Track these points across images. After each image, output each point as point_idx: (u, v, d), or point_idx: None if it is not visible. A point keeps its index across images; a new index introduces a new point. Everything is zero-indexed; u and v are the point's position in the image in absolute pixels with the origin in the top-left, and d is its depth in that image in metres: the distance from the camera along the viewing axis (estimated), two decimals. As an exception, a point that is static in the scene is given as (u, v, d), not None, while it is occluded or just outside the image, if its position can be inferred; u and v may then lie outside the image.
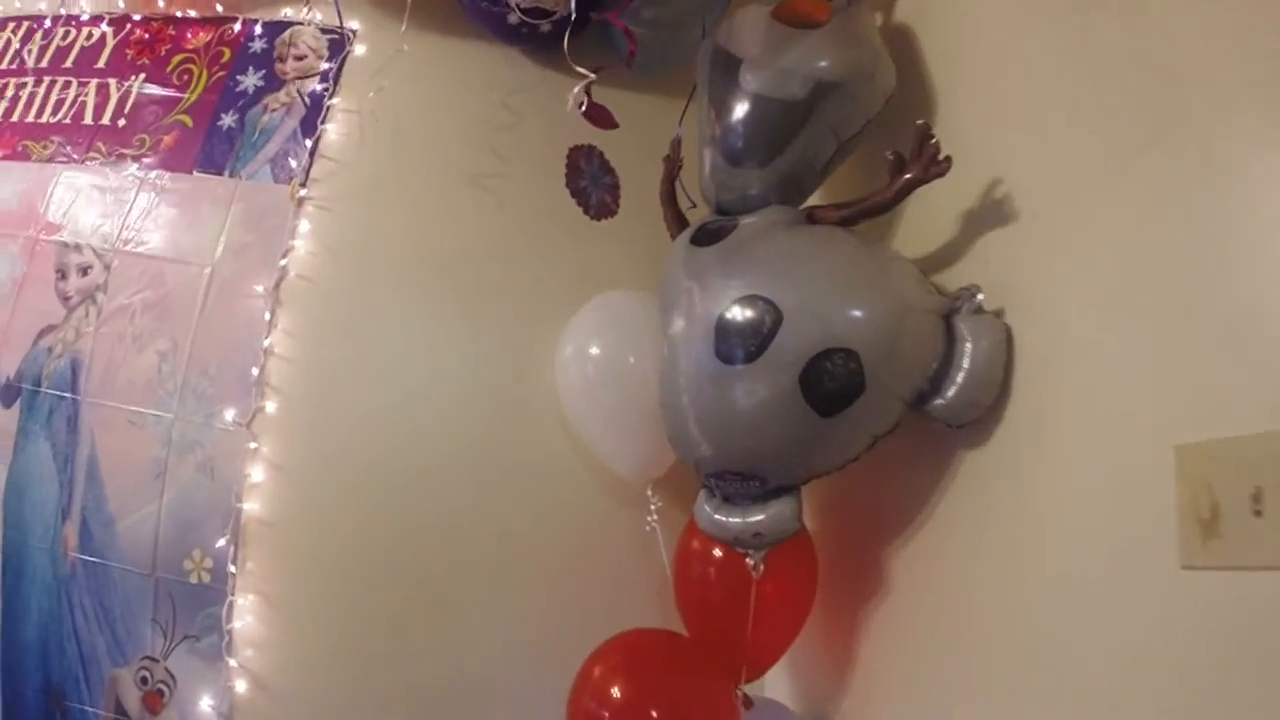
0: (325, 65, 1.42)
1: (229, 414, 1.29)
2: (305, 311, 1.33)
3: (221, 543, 1.26)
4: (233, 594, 1.26)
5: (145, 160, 1.45)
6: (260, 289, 1.31)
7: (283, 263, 1.32)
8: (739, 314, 0.92)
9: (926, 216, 1.07)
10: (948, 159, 0.91)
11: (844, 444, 0.95)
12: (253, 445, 1.27)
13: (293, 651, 1.29)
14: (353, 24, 1.46)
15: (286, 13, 1.50)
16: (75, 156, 1.51)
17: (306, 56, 1.44)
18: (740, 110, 1.01)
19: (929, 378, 0.92)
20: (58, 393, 1.39)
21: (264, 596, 1.28)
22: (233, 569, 1.26)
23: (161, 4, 1.59)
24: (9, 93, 1.67)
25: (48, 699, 1.38)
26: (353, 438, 1.33)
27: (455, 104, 1.47)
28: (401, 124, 1.43)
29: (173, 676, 1.28)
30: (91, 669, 1.34)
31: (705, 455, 1.01)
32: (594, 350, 1.26)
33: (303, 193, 1.36)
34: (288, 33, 1.47)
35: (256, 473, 1.28)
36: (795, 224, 1.00)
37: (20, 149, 1.59)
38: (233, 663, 1.25)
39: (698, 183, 1.12)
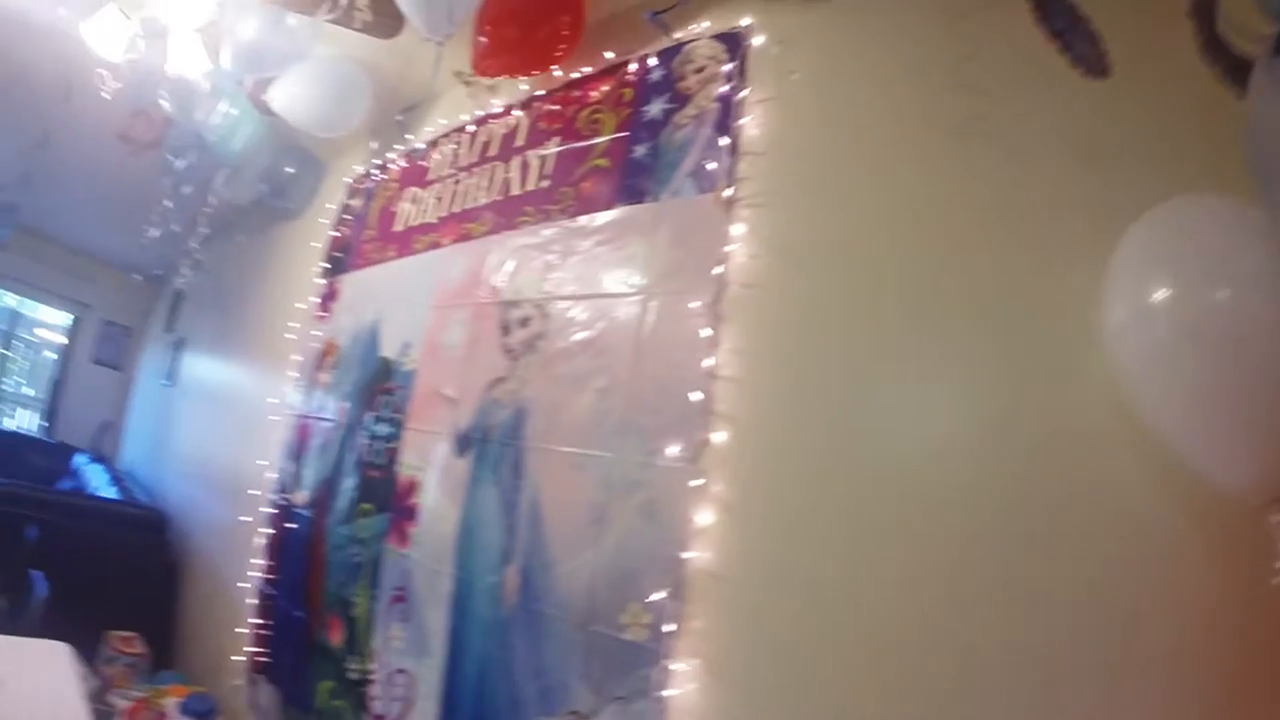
0: (727, 67, 1.47)
1: (672, 449, 1.26)
2: (753, 323, 1.27)
3: (661, 596, 1.21)
4: (669, 657, 1.19)
5: (569, 209, 1.66)
6: (697, 305, 1.30)
7: (718, 271, 1.30)
8: None
9: None
10: None
11: None
12: (697, 483, 1.22)
13: None
14: (743, 19, 1.50)
15: (676, 37, 1.62)
16: (507, 225, 1.81)
17: (706, 66, 1.52)
18: None
19: None
20: (505, 440, 1.58)
21: (708, 663, 1.18)
22: (671, 628, 1.20)
23: (558, 73, 1.89)
24: (449, 191, 2.14)
25: (478, 734, 1.51)
26: (822, 471, 1.17)
27: (887, 53, 1.33)
28: (829, 93, 1.35)
29: None
30: (520, 714, 1.43)
31: None
32: (1158, 297, 0.90)
33: (730, 193, 1.35)
34: (682, 52, 1.58)
35: (703, 516, 1.21)
36: None
37: (463, 233, 2.00)
38: None
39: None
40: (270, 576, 2.56)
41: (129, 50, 2.08)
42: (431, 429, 1.83)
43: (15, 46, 2.87)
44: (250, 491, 2.83)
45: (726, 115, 1.42)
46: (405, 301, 2.14)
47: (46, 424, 6.92)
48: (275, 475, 2.68)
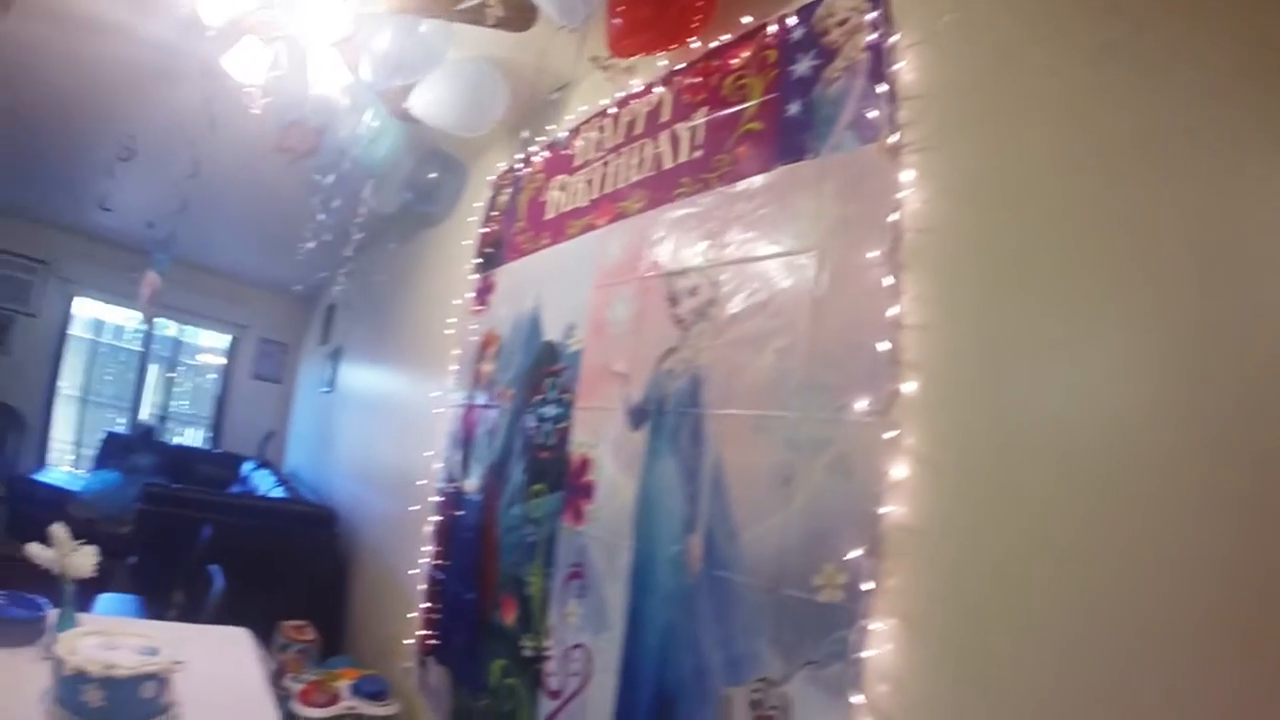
0: (871, 15, 1.46)
1: (860, 403, 1.28)
2: (934, 268, 1.27)
3: (857, 554, 1.22)
4: (867, 617, 1.19)
5: (727, 175, 1.70)
6: (875, 255, 1.31)
7: (893, 218, 1.31)
8: None
9: None
10: None
11: None
12: (890, 435, 1.23)
13: (938, 693, 1.14)
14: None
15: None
16: (664, 198, 1.88)
17: (849, 18, 1.51)
18: None
19: None
20: (681, 410, 1.64)
21: (907, 621, 1.18)
22: (870, 586, 1.20)
23: (696, 45, 1.94)
24: (598, 174, 2.24)
25: (659, 707, 1.56)
26: (1017, 416, 1.15)
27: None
28: (983, 30, 1.32)
29: (788, 704, 1.28)
30: (705, 684, 1.46)
31: None
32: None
33: (894, 140, 1.35)
34: (821, 6, 1.58)
35: (898, 469, 1.22)
36: None
37: (617, 212, 2.09)
38: (859, 699, 1.17)
39: None
40: (440, 562, 2.76)
41: (271, 70, 2.26)
42: (602, 405, 1.92)
43: (161, 84, 3.22)
44: (417, 483, 3.06)
45: (879, 63, 1.41)
46: (564, 285, 2.26)
47: (212, 437, 7.75)
48: (441, 466, 2.89)
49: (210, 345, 8.07)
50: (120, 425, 7.27)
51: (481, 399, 2.65)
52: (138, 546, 4.05)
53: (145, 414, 7.53)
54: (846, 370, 1.32)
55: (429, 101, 2.55)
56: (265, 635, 3.09)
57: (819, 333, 1.38)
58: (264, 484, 5.34)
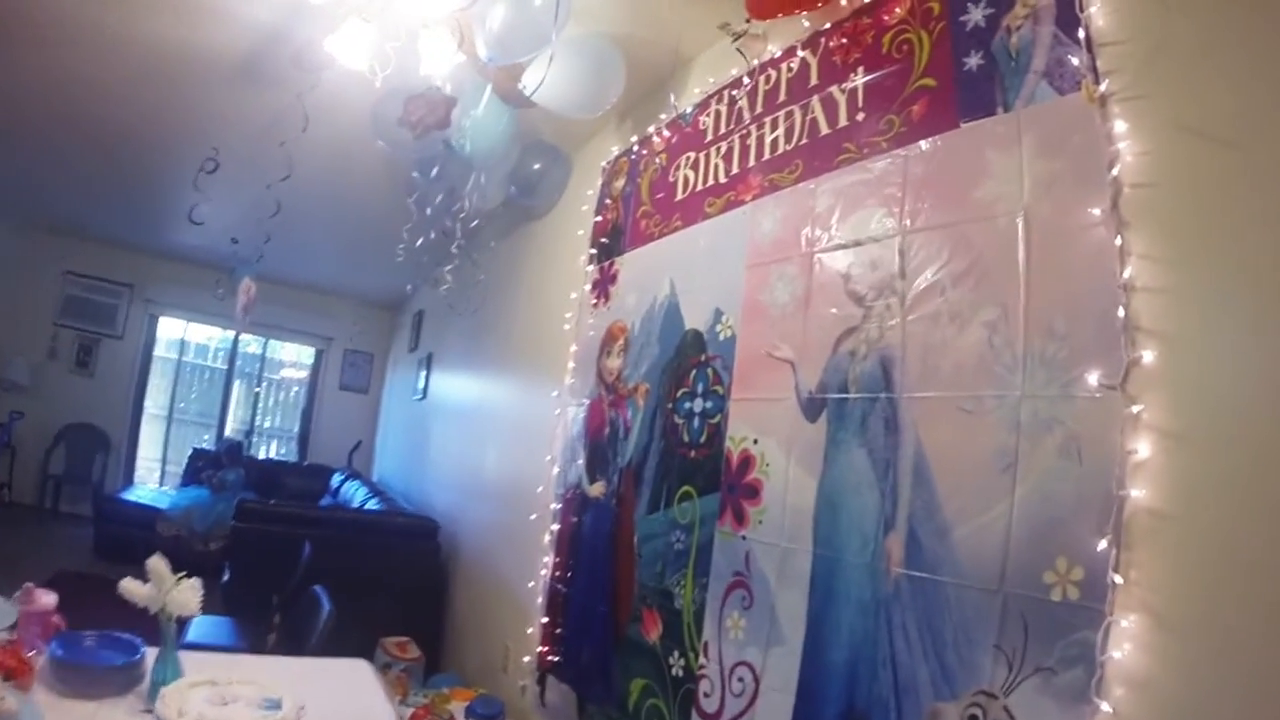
0: None
1: (1092, 377, 1.23)
2: (1160, 225, 1.21)
3: (1100, 546, 1.16)
4: (1110, 615, 1.14)
5: (901, 137, 1.65)
6: (1097, 213, 1.27)
7: (1112, 174, 1.26)
8: None
9: None
10: None
11: None
12: (1134, 410, 1.17)
13: (1192, 698, 1.08)
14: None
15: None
16: (825, 166, 1.84)
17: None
18: None
19: None
20: (869, 395, 1.59)
21: (1153, 615, 1.11)
22: (1117, 579, 1.14)
23: (844, 2, 1.90)
24: (736, 147, 2.21)
25: (846, 726, 1.49)
26: (1274, 380, 1.08)
27: None
28: None
29: (1012, 717, 1.23)
30: (907, 699, 1.40)
31: None
32: None
33: (1101, 89, 1.30)
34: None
35: (1141, 447, 1.16)
36: None
37: (768, 184, 2.05)
38: (1105, 706, 1.11)
39: None
40: (562, 573, 2.75)
41: (388, 42, 2.27)
42: (766, 396, 1.88)
43: (245, 90, 3.27)
44: (533, 490, 3.07)
45: (1069, 8, 1.36)
46: (707, 268, 2.23)
47: (299, 449, 8.10)
48: (560, 471, 2.90)
49: (294, 359, 8.46)
50: (206, 442, 7.68)
51: (609, 396, 2.65)
52: (229, 565, 4.20)
53: (231, 430, 7.94)
54: (1072, 341, 1.26)
55: (545, 82, 2.53)
56: (367, 653, 3.05)
57: (1035, 301, 1.33)
58: (356, 495, 5.51)
